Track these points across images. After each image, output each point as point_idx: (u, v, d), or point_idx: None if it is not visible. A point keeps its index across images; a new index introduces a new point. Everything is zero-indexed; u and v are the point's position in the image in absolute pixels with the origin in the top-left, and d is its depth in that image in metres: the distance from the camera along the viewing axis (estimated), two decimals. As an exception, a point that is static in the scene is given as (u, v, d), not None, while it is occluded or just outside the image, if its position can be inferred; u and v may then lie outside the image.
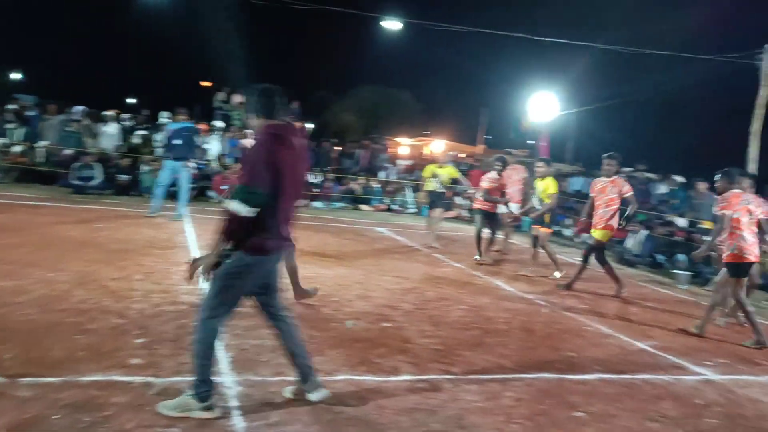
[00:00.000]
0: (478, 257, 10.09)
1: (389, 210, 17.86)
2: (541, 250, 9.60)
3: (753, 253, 6.48)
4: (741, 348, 6.38)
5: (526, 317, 6.65)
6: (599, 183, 8.41)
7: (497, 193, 10.26)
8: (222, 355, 4.40)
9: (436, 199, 11.64)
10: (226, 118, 22.25)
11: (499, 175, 10.28)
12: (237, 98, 23.15)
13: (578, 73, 24.05)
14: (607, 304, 7.93)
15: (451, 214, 17.04)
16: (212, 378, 3.53)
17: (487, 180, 10.30)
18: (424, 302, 6.79)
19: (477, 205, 10.48)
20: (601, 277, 9.74)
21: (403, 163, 21.36)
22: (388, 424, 3.61)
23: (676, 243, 12.11)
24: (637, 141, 25.91)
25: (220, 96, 23.64)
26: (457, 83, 35.94)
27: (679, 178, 14.31)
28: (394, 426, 3.60)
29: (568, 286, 8.42)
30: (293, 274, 6.31)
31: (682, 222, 12.64)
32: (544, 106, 19.62)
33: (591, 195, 8.49)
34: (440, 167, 11.57)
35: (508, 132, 27.48)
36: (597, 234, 8.26)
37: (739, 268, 6.50)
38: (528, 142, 23.28)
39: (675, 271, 10.75)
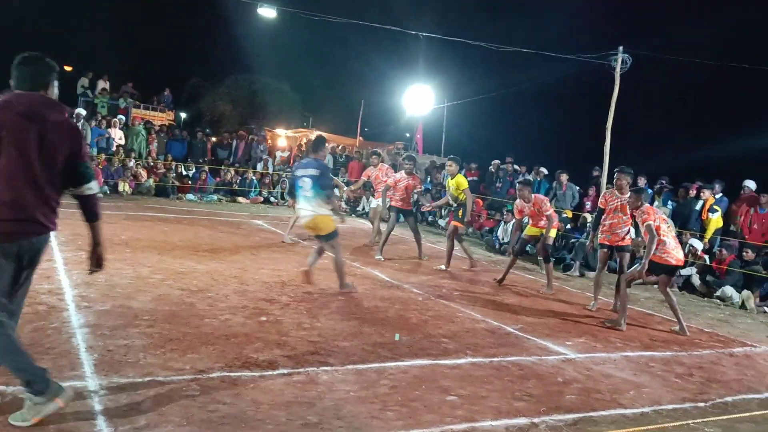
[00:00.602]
0: (379, 257, 10.12)
1: (267, 202, 17.60)
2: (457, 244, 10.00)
3: (674, 257, 6.92)
4: (597, 328, 6.90)
5: (402, 306, 6.80)
6: (526, 208, 8.88)
7: (404, 192, 10.29)
8: (84, 357, 4.14)
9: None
10: (89, 106, 20.95)
11: (408, 174, 10.33)
12: (101, 84, 21.87)
13: (452, 67, 24.89)
14: (479, 291, 8.29)
15: (330, 205, 17.05)
16: (39, 367, 3.28)
17: (393, 178, 10.46)
18: (302, 295, 6.76)
19: (393, 203, 10.43)
20: (480, 266, 10.17)
21: (281, 155, 21.12)
22: (264, 420, 3.56)
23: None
24: (505, 134, 27.21)
25: (84, 82, 22.22)
26: (336, 75, 35.92)
27: (544, 170, 15.20)
28: (271, 421, 3.56)
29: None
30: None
31: (546, 211, 13.41)
32: (419, 99, 20.10)
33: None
34: None
35: (386, 124, 27.95)
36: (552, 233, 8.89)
37: (656, 266, 6.92)
38: (407, 135, 23.79)
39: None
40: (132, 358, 4.24)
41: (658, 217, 6.98)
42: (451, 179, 9.68)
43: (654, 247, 6.80)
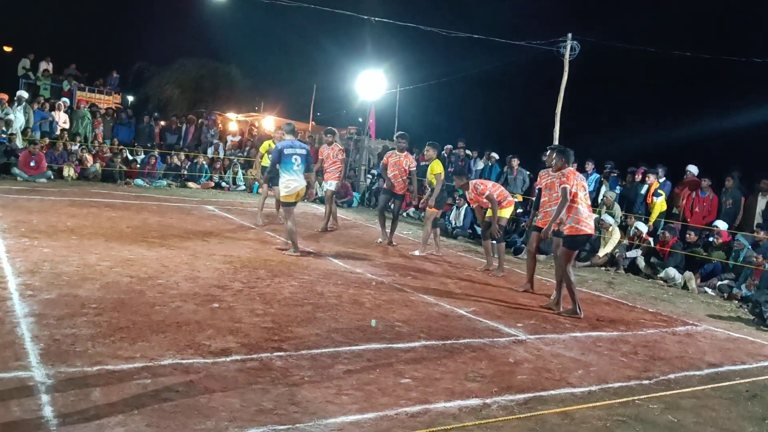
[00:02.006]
0: (380, 240, 10.33)
1: (218, 187, 17.33)
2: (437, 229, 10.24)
3: (589, 225, 6.91)
4: (547, 310, 7.05)
5: (357, 290, 6.82)
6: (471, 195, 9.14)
7: (395, 169, 10.24)
8: (30, 347, 4.02)
9: (274, 176, 11.60)
10: (31, 88, 20.17)
11: (401, 151, 10.25)
12: (44, 66, 21.05)
13: (404, 53, 24.85)
14: (432, 275, 8.37)
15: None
16: None
17: (385, 156, 10.64)
18: (255, 280, 6.70)
19: (401, 190, 10.38)
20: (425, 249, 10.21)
21: (232, 139, 20.78)
22: (218, 408, 3.52)
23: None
24: (457, 119, 27.39)
25: (25, 63, 21.35)
26: (288, 59, 35.42)
27: (495, 155, 15.38)
28: (225, 409, 3.53)
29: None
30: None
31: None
32: (372, 84, 20.03)
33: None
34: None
35: (338, 109, 27.77)
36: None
37: (575, 240, 6.91)
38: (359, 120, 23.70)
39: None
40: (80, 348, 4.13)
41: (577, 183, 6.88)
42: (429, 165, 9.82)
43: (564, 210, 6.75)
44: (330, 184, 11.20)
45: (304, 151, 8.48)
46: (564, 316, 6.83)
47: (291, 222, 8.44)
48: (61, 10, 30.62)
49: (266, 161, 11.38)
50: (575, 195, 6.80)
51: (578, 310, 6.90)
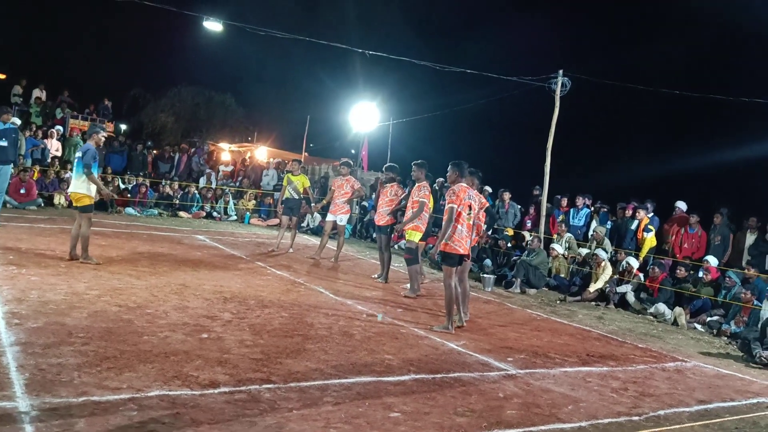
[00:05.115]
0: (375, 276, 10.27)
1: (209, 217, 17.31)
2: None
3: (462, 246, 6.96)
4: (537, 344, 7.04)
5: (346, 322, 6.79)
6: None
7: (382, 200, 10.13)
8: (14, 376, 3.97)
9: (294, 207, 11.75)
10: (23, 115, 20.21)
11: (389, 182, 10.13)
12: (37, 93, 21.13)
13: (397, 86, 25.16)
14: (421, 308, 8.34)
15: (274, 221, 16.94)
16: None
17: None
18: (245, 311, 6.66)
19: (382, 221, 10.05)
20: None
21: (224, 169, 20.84)
22: (204, 439, 3.48)
23: (483, 248, 13.05)
24: (450, 152, 27.59)
25: (17, 90, 21.42)
26: (282, 90, 35.66)
27: (488, 188, 15.45)
28: (211, 440, 3.48)
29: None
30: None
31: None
32: (365, 116, 20.21)
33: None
34: (294, 175, 11.72)
35: (332, 140, 27.96)
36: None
37: (448, 257, 6.98)
38: (352, 151, 23.84)
39: (483, 275, 11.57)
40: (66, 378, 4.08)
41: (465, 203, 6.94)
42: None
43: (449, 230, 6.85)
44: (341, 219, 11.15)
45: (80, 153, 8.28)
46: (438, 332, 6.87)
47: (84, 227, 8.23)
48: (55, 37, 30.87)
49: (287, 193, 11.63)
50: (459, 214, 6.90)
51: (450, 326, 7.00)
